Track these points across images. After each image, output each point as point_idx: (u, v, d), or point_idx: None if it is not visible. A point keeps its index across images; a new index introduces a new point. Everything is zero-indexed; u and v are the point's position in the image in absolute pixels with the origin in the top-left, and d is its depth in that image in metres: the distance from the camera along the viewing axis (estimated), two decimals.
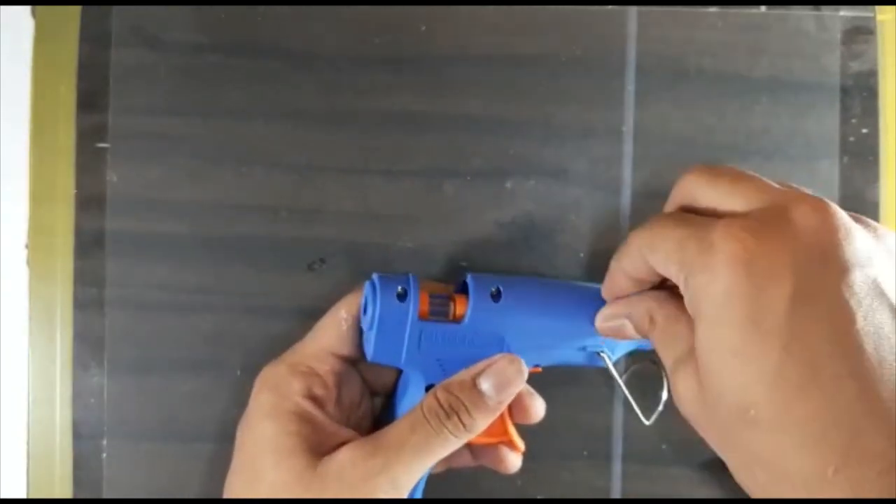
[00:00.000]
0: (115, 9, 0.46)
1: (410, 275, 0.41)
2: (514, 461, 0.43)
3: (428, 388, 0.40)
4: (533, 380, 0.45)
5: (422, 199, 0.46)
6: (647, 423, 0.44)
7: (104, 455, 0.45)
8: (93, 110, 0.46)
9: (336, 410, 0.41)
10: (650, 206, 0.46)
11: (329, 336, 0.41)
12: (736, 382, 0.31)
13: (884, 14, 0.46)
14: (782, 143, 0.47)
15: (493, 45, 0.46)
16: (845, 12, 0.46)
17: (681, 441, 0.46)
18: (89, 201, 0.45)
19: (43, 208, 0.46)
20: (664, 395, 0.44)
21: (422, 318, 0.40)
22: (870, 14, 0.46)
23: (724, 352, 0.31)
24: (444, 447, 0.39)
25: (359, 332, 0.42)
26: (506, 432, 0.42)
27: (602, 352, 0.41)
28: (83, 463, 0.45)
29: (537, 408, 0.43)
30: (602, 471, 0.46)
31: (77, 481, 0.45)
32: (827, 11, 0.46)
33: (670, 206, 0.38)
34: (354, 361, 0.42)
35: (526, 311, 0.41)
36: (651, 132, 0.46)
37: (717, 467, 0.46)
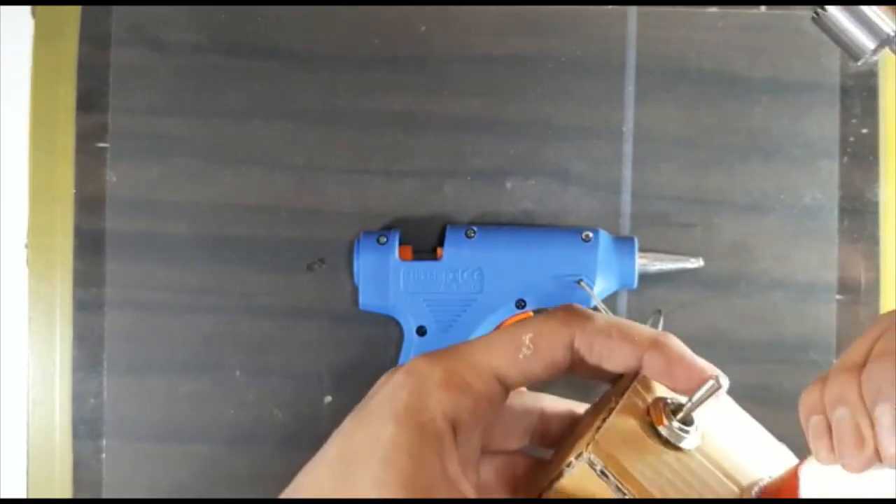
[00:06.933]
0: (115, 9, 0.46)
1: (395, 230, 0.44)
2: None
3: (419, 330, 0.43)
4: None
5: (422, 199, 0.46)
6: None
7: (104, 455, 0.45)
8: (93, 110, 0.46)
9: (467, 447, 0.34)
10: (650, 206, 0.46)
11: (501, 355, 0.34)
12: None
13: None
14: (782, 143, 0.47)
15: (493, 45, 0.46)
16: None
17: None
18: (89, 201, 0.45)
19: (43, 208, 0.46)
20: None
21: (403, 259, 0.44)
22: None
23: None
24: None
25: (540, 367, 0.35)
26: None
27: (580, 280, 0.43)
28: (83, 463, 0.45)
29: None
30: None
31: (77, 481, 0.45)
32: None
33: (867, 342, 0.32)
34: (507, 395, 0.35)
35: (498, 245, 0.44)
36: (651, 132, 0.46)
37: None
